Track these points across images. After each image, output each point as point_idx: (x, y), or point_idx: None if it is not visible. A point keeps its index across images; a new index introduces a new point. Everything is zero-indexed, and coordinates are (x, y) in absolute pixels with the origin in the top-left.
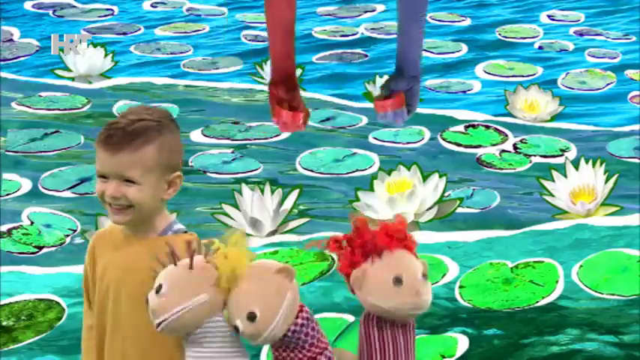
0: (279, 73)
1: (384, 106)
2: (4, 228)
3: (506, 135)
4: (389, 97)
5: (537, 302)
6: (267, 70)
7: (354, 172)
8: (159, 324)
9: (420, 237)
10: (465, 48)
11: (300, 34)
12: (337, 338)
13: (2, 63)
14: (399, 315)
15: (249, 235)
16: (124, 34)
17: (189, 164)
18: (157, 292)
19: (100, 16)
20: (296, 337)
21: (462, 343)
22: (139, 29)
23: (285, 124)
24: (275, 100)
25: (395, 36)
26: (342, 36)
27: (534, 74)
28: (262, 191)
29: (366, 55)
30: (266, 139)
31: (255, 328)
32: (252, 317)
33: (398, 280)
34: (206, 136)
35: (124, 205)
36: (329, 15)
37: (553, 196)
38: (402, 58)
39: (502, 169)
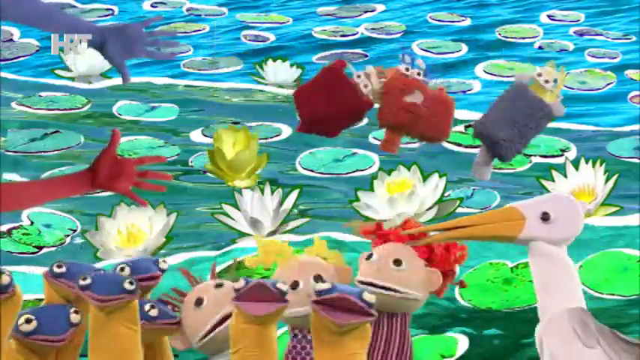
0: None
1: None
2: (4, 228)
3: None
4: None
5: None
6: (267, 70)
7: (354, 172)
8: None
9: None
10: (464, 48)
11: (300, 34)
12: None
13: (2, 63)
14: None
15: (249, 235)
16: None
17: (190, 164)
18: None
19: (100, 16)
20: None
21: (462, 343)
22: None
23: None
24: None
25: (394, 36)
26: (342, 36)
27: None
28: (262, 191)
29: (366, 55)
30: (266, 139)
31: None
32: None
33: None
34: (206, 136)
35: None
36: (329, 15)
37: None
38: None
39: (502, 169)
